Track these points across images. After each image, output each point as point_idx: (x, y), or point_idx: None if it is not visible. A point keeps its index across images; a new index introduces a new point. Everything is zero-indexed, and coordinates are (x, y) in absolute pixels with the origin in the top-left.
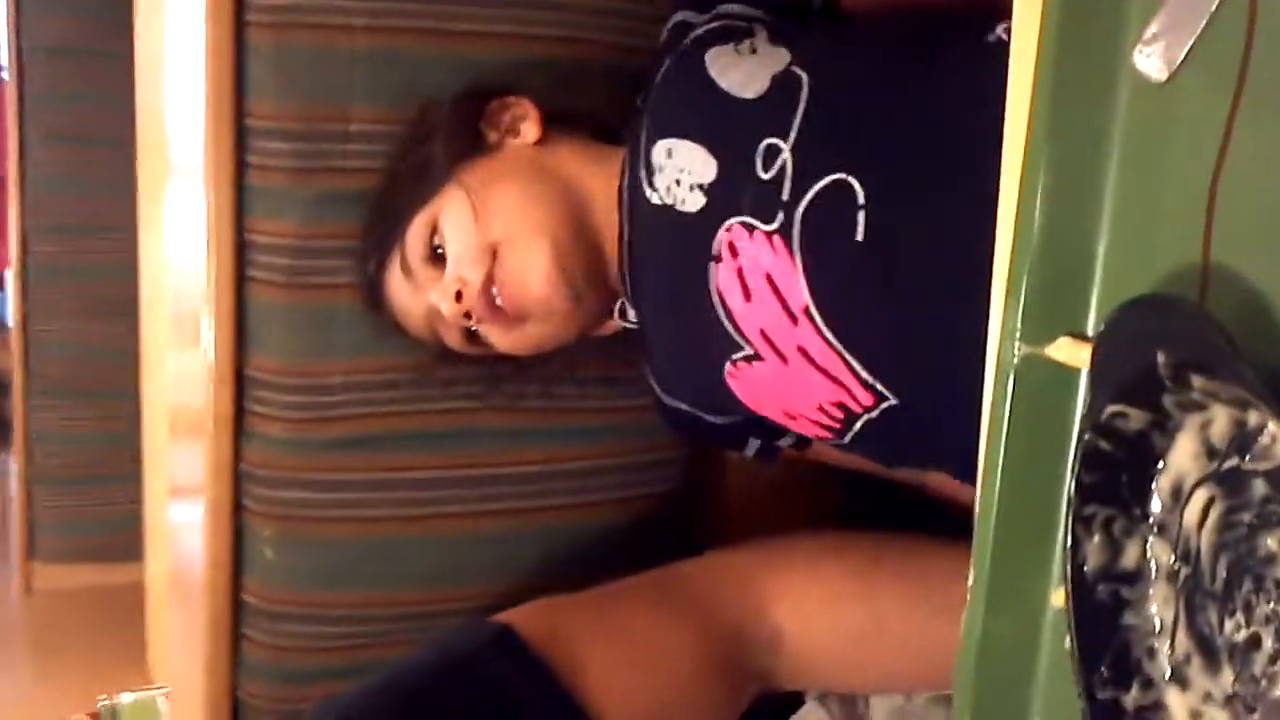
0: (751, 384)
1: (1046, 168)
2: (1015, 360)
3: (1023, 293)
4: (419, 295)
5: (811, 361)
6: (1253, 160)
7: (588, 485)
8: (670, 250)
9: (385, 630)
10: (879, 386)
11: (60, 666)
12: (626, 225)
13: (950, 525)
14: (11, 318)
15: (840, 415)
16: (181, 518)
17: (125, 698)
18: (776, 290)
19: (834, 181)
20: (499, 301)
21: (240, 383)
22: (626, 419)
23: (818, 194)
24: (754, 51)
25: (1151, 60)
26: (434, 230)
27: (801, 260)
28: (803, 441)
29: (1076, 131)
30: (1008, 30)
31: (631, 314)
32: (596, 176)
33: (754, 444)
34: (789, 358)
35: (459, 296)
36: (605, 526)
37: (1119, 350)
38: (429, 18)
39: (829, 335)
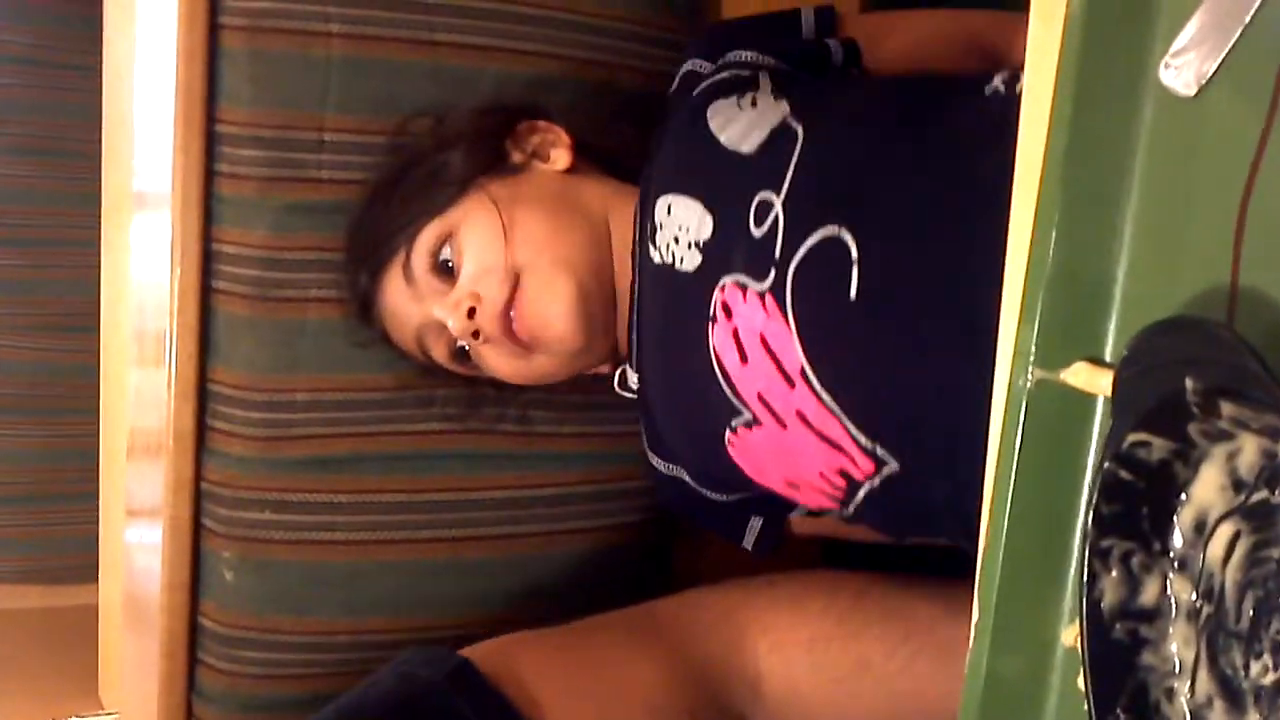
0: (752, 452)
1: (1065, 184)
2: (1028, 385)
3: (1038, 314)
4: (418, 305)
5: (810, 426)
6: None
7: (561, 512)
8: (669, 311)
9: (349, 659)
10: (878, 451)
11: (5, 690)
12: (636, 283)
13: (936, 566)
14: None
15: (843, 484)
16: (138, 538)
17: None
18: (771, 353)
19: (826, 237)
20: (514, 327)
21: (203, 398)
22: (602, 446)
23: (810, 250)
24: (754, 105)
25: (1179, 75)
26: (445, 241)
27: (795, 320)
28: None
29: (1098, 147)
30: (1005, 81)
31: (633, 379)
32: (617, 218)
33: (755, 525)
34: (787, 423)
35: (471, 313)
36: (579, 555)
37: (1144, 375)
38: (407, 27)
39: (826, 399)
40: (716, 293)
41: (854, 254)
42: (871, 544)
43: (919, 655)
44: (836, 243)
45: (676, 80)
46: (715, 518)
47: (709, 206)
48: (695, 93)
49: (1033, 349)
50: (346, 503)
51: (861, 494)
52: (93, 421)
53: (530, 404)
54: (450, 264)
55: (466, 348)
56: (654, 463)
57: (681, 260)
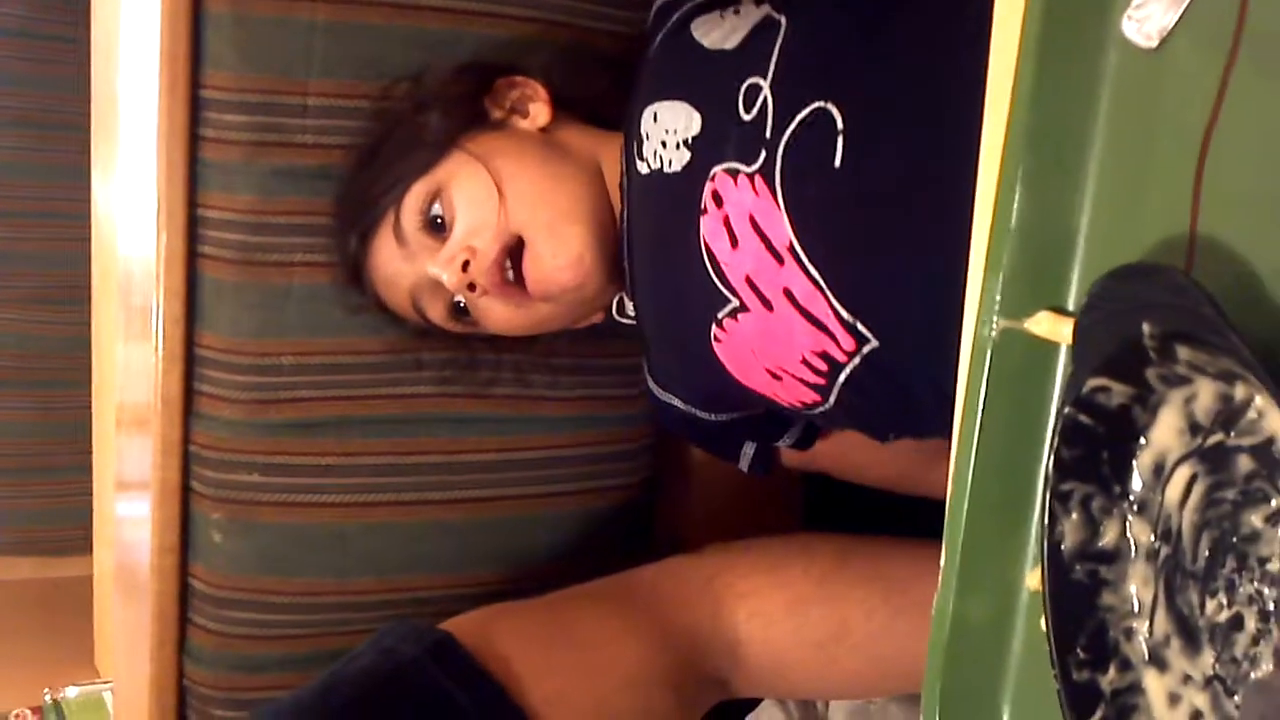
0: (737, 344)
1: (1029, 138)
2: (993, 334)
3: (1002, 265)
4: (410, 264)
5: (795, 304)
6: (1245, 129)
7: (547, 475)
8: (659, 214)
9: (336, 620)
10: (859, 326)
11: (2, 661)
12: (625, 207)
13: (917, 527)
14: None
15: (824, 367)
16: (129, 506)
17: (71, 692)
18: (760, 231)
19: (814, 110)
20: (510, 277)
21: (190, 362)
22: (588, 410)
23: (799, 125)
24: (736, 13)
25: (1140, 27)
26: (434, 198)
27: (783, 197)
28: (803, 440)
29: (1061, 100)
30: None
31: (630, 307)
32: (603, 161)
33: (749, 449)
34: (774, 303)
35: (465, 266)
36: (566, 517)
37: (1103, 321)
38: None
39: (812, 272)
40: (707, 184)
41: (839, 125)
42: (851, 503)
43: (899, 616)
44: (823, 114)
45: (650, 17)
46: (711, 438)
47: (696, 104)
48: (675, 17)
49: (997, 298)
50: (333, 465)
51: (842, 377)
52: (84, 394)
53: (526, 367)
54: (440, 220)
55: (464, 304)
56: (651, 388)
57: (670, 162)
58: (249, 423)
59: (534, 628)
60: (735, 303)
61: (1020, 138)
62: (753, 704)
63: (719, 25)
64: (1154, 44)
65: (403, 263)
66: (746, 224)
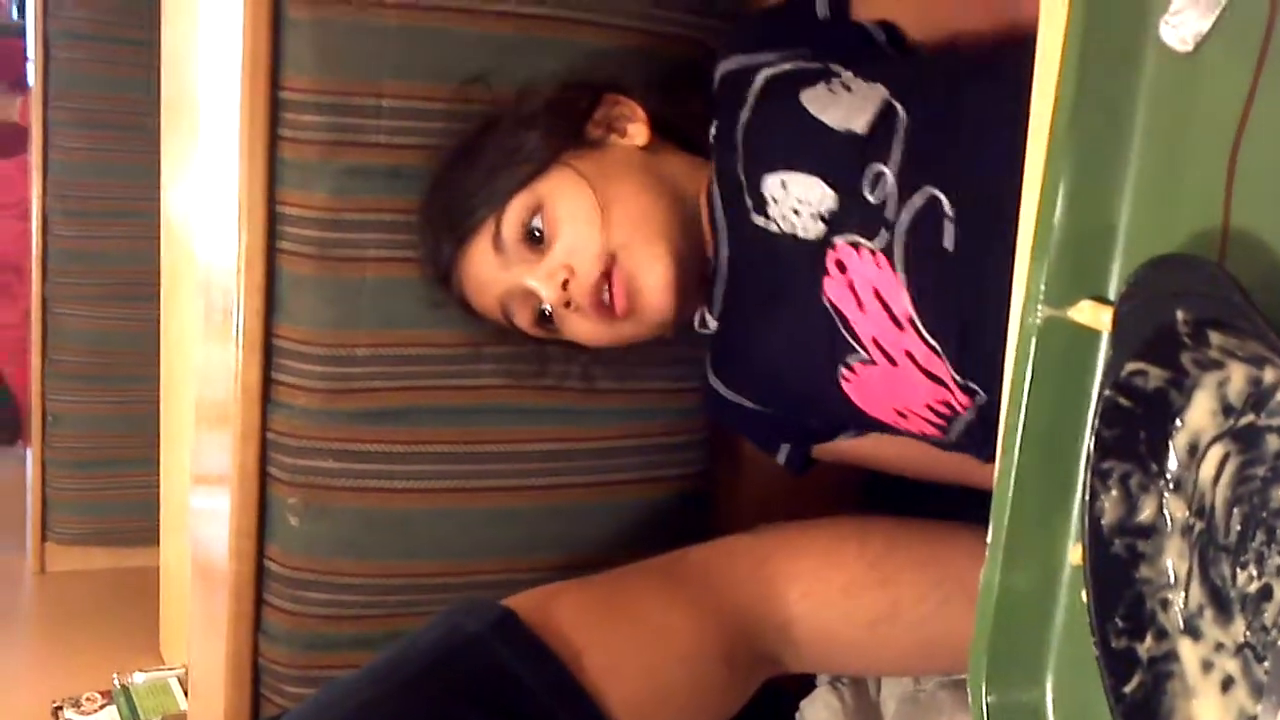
0: (866, 386)
1: (1072, 136)
2: (1038, 322)
3: (1047, 257)
4: (506, 272)
5: (917, 364)
6: (1272, 129)
7: (609, 465)
8: (779, 270)
9: (405, 601)
10: (971, 385)
11: (72, 647)
12: (725, 246)
13: (966, 508)
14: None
15: (946, 413)
16: (206, 499)
17: (138, 678)
18: (884, 302)
19: (927, 198)
20: (606, 299)
21: (268, 353)
22: (651, 401)
23: (916, 210)
24: (849, 90)
25: (1176, 32)
26: (536, 212)
27: (904, 274)
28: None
29: (1102, 101)
30: None
31: (712, 322)
32: (694, 188)
33: (785, 449)
34: (898, 361)
35: (565, 284)
36: (626, 507)
37: (1140, 308)
38: None
39: (930, 340)
40: (829, 252)
41: (948, 210)
42: (906, 489)
43: (950, 599)
44: (935, 201)
45: (717, 81)
46: (756, 428)
47: (830, 183)
48: (764, 79)
49: (1042, 288)
50: (403, 452)
51: (962, 425)
52: (151, 388)
53: (592, 363)
54: (539, 233)
55: (549, 312)
56: (714, 384)
57: (804, 229)
58: (324, 411)
59: (591, 604)
60: (864, 355)
61: (1063, 138)
62: (804, 685)
63: (834, 102)
64: (1189, 48)
65: (499, 270)
66: (870, 294)
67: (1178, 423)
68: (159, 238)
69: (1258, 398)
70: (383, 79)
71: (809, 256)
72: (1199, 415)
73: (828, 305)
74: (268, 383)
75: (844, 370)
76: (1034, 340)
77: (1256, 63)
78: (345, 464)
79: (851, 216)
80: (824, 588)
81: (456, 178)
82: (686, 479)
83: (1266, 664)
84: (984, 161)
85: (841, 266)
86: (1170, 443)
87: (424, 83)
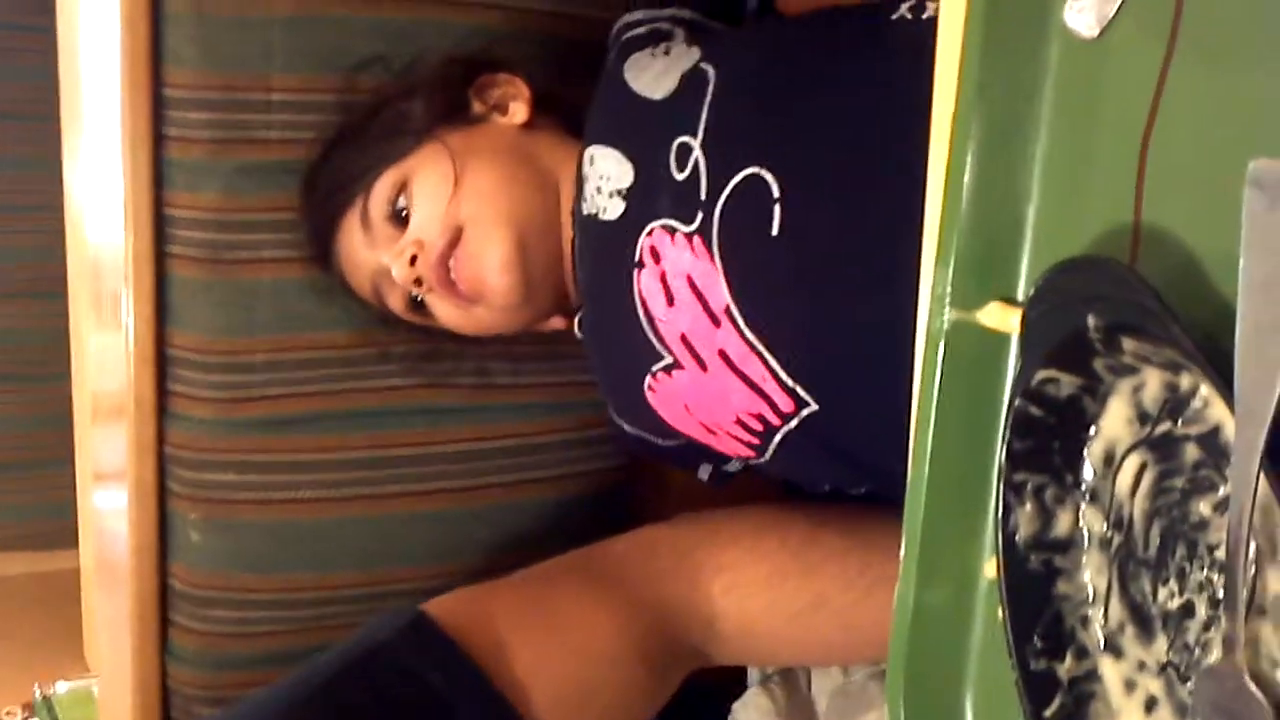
0: (670, 397)
1: (976, 129)
2: (945, 326)
3: (952, 257)
4: (372, 251)
5: (731, 366)
6: (1184, 117)
7: (524, 463)
8: (596, 259)
9: (317, 615)
10: (799, 390)
11: None
12: (575, 234)
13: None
14: None
15: (759, 428)
16: (106, 503)
17: (61, 687)
18: (698, 292)
19: (748, 176)
20: (453, 278)
21: (162, 362)
22: (561, 395)
23: (733, 190)
24: (667, 53)
25: (1083, 17)
26: (402, 189)
27: (721, 260)
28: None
29: (1006, 91)
30: (911, 8)
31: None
32: (567, 174)
33: (706, 468)
34: (708, 364)
35: (413, 260)
36: (544, 504)
37: (1049, 314)
38: None
39: (749, 335)
40: (643, 238)
41: (775, 192)
42: None
43: (875, 587)
44: (758, 181)
45: (611, 35)
46: (669, 458)
47: (628, 154)
48: (619, 44)
49: (948, 290)
50: (309, 461)
51: (777, 439)
52: (65, 387)
53: (488, 356)
54: (405, 212)
55: (419, 297)
56: (616, 420)
57: (605, 210)
58: (223, 421)
59: (509, 606)
60: (669, 359)
61: (966, 131)
62: (731, 679)
63: (649, 67)
64: (1095, 33)
65: (366, 249)
66: (684, 283)
67: (1092, 431)
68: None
69: (1174, 404)
70: (271, 72)
71: (620, 244)
72: (1114, 423)
73: (638, 302)
74: (162, 393)
75: (649, 381)
76: (941, 345)
77: (1166, 48)
78: (248, 476)
79: (661, 196)
80: (748, 579)
81: (335, 155)
82: (605, 473)
83: (1190, 683)
84: (818, 138)
85: (656, 255)
86: (1085, 451)
87: (314, 74)
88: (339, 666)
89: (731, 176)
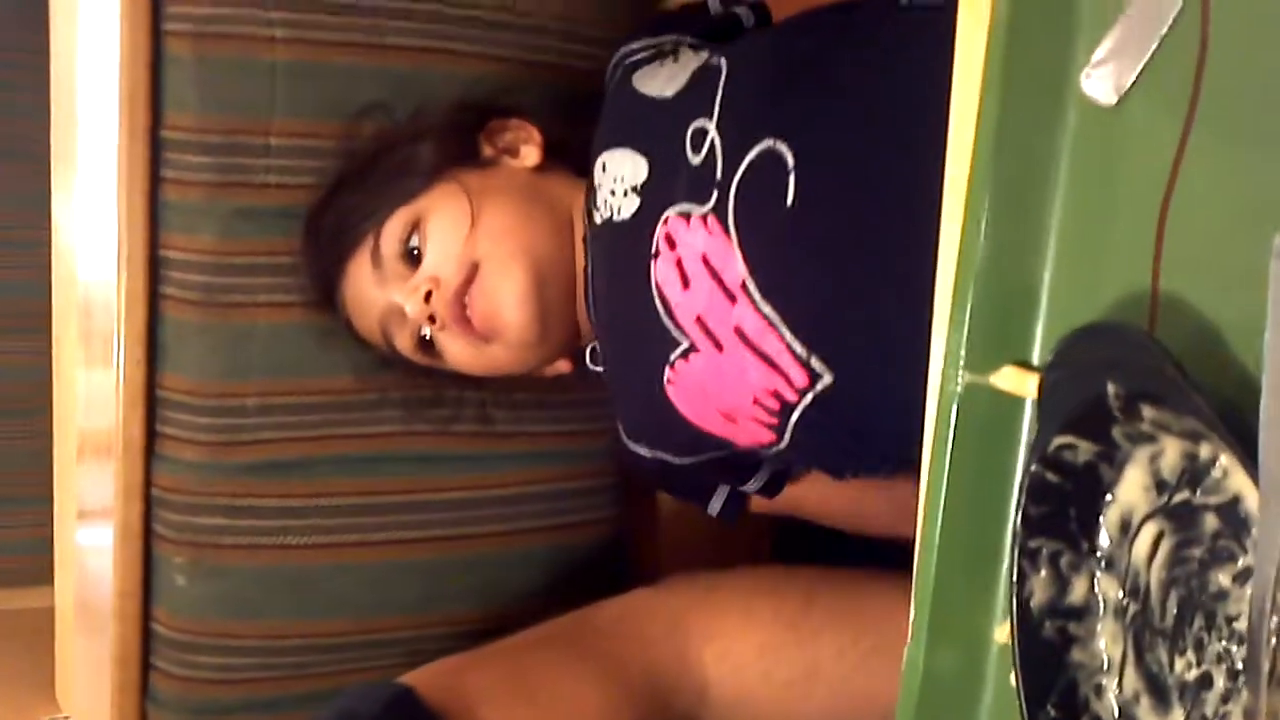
0: (689, 386)
1: (991, 192)
2: (959, 389)
3: (967, 319)
4: (382, 290)
5: (747, 342)
6: (1204, 186)
7: (518, 512)
8: (613, 262)
9: (302, 662)
10: (813, 363)
11: None
12: (588, 261)
13: (888, 562)
14: None
15: (776, 407)
16: (89, 542)
17: None
18: (713, 270)
19: (764, 150)
20: (469, 314)
21: (152, 404)
22: (557, 444)
23: (749, 165)
24: (675, 60)
25: (1100, 84)
26: (414, 228)
27: (737, 233)
28: (771, 484)
29: (1022, 155)
30: None
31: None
32: (580, 210)
33: (721, 493)
34: (724, 343)
35: (428, 297)
36: (535, 554)
37: (1068, 379)
38: (355, 30)
39: (765, 308)
40: (659, 228)
41: (790, 163)
42: (820, 536)
43: (871, 655)
44: (773, 154)
45: (610, 67)
46: (683, 484)
47: (641, 150)
48: (622, 70)
49: (962, 353)
50: (299, 506)
51: (795, 416)
52: (46, 423)
53: (490, 402)
54: (417, 251)
55: (429, 336)
56: (623, 439)
57: (620, 209)
58: (213, 465)
59: (496, 679)
60: (686, 344)
61: (982, 195)
62: None
63: (659, 73)
64: (1114, 101)
65: (375, 288)
66: (699, 264)
67: (1109, 498)
68: (49, 267)
69: (1192, 474)
70: (271, 117)
71: (637, 239)
72: (1131, 491)
73: (654, 292)
74: (151, 435)
75: (668, 373)
76: (954, 408)
77: (1186, 115)
78: (236, 520)
79: (677, 183)
80: (741, 648)
81: (342, 196)
82: (598, 524)
83: None
84: (831, 109)
85: (671, 242)
86: (1101, 519)
87: (314, 120)
88: None
89: (746, 152)
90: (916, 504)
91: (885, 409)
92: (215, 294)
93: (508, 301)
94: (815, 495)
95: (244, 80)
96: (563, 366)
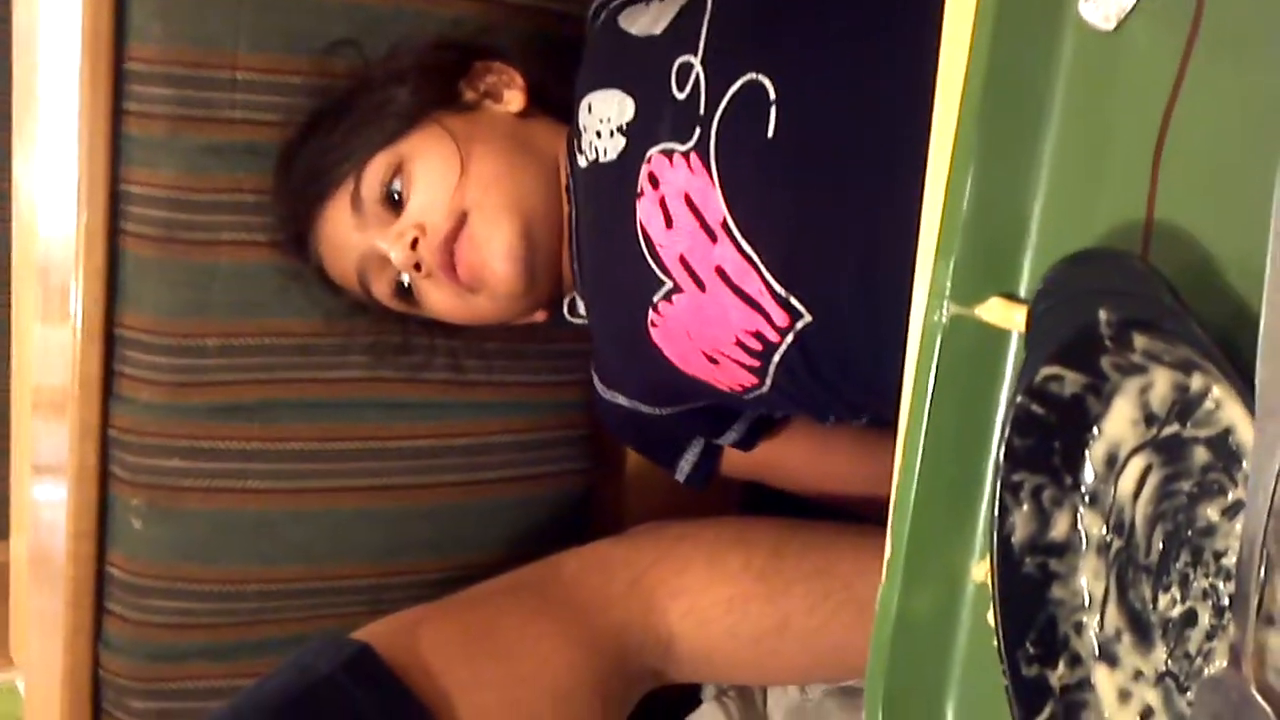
0: (673, 328)
1: (982, 119)
2: (943, 321)
3: (954, 250)
4: (362, 234)
5: (728, 282)
6: (1204, 113)
7: (481, 462)
8: (598, 204)
9: (260, 608)
10: (792, 301)
11: None
12: (572, 207)
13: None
14: None
15: (759, 348)
16: (45, 494)
17: None
18: (695, 209)
19: (746, 83)
20: (456, 266)
21: (110, 343)
22: (528, 395)
23: (731, 99)
24: (661, 0)
25: (1099, 8)
26: (397, 171)
27: (718, 172)
28: (749, 436)
29: (1016, 83)
30: None
31: (581, 307)
32: (564, 159)
33: (693, 451)
34: (707, 283)
35: (414, 244)
36: (500, 505)
37: (1058, 308)
38: None
39: (745, 246)
40: (644, 167)
41: (772, 95)
42: (788, 500)
43: (840, 610)
44: (756, 86)
45: (591, 12)
46: (653, 442)
47: (627, 90)
48: (604, 14)
49: (948, 285)
50: (258, 450)
51: (777, 357)
52: (4, 379)
53: (461, 351)
54: (399, 195)
55: (408, 283)
56: (597, 387)
57: (606, 151)
58: (171, 405)
59: (456, 635)
60: (669, 284)
61: (973, 121)
62: (685, 693)
63: (644, 13)
64: (1111, 25)
65: (354, 232)
66: (681, 203)
67: (1095, 431)
68: (10, 221)
69: (1183, 406)
70: (237, 50)
71: (621, 179)
72: (1118, 424)
73: (639, 232)
74: (109, 375)
75: (652, 315)
76: (938, 340)
77: (1186, 41)
78: (194, 463)
79: (661, 121)
80: (708, 603)
81: (317, 136)
82: (567, 476)
83: (1190, 695)
84: (815, 40)
85: (655, 181)
86: (1086, 453)
87: (282, 54)
88: (277, 704)
89: (729, 86)
90: (889, 464)
91: (865, 350)
92: (177, 230)
93: (497, 253)
94: (785, 458)
95: (209, 11)
96: (539, 316)
